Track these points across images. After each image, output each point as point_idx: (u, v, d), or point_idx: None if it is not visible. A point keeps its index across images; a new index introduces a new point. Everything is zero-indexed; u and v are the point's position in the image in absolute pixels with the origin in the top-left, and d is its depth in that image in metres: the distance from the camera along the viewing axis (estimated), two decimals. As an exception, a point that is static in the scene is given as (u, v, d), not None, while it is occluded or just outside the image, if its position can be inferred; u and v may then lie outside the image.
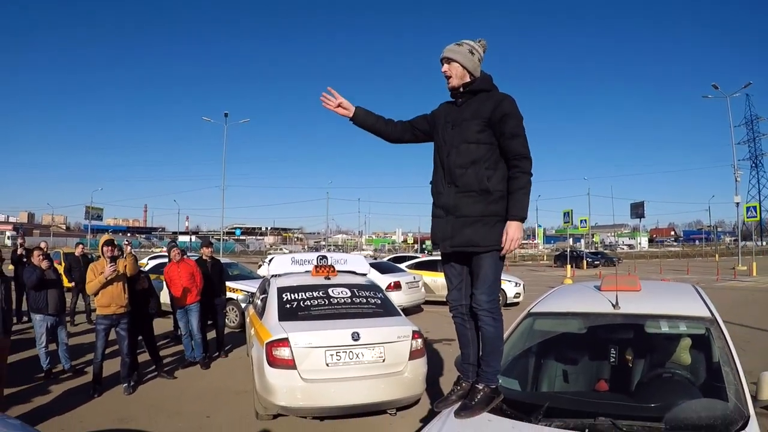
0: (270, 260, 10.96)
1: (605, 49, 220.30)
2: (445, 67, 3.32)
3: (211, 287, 9.84)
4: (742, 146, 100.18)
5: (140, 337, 8.44)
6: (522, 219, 3.14)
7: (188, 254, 11.88)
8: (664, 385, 3.31)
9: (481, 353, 3.26)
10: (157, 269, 13.46)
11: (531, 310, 4.20)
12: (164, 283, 10.32)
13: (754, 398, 3.02)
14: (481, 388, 3.13)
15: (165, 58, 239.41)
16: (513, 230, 3.11)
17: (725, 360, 3.21)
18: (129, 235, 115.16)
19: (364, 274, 8.16)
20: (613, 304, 3.74)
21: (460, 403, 3.19)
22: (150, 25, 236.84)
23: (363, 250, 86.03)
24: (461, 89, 3.33)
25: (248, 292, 12.03)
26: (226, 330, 10.98)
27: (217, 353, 9.86)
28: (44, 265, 8.32)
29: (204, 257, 10.28)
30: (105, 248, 7.55)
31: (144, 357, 8.73)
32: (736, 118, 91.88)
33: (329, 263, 7.74)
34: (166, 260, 12.25)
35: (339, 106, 3.58)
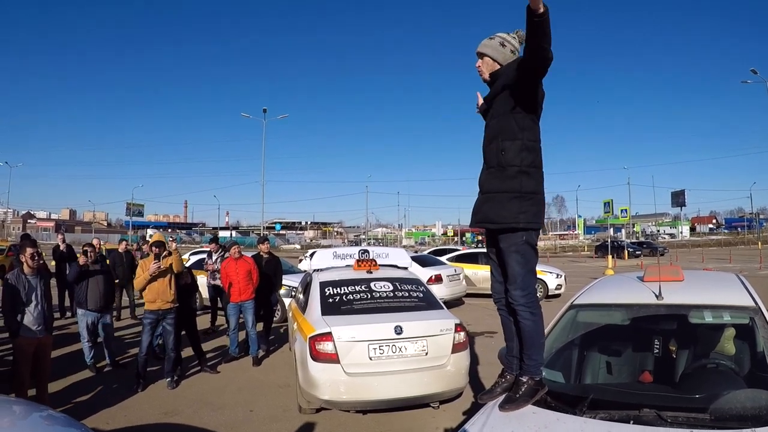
0: (312, 255, 11.05)
1: (643, 36, 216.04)
2: (478, 62, 3.35)
3: (265, 284, 10.00)
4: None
5: (183, 332, 8.59)
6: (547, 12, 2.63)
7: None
8: (709, 376, 3.29)
9: (522, 347, 3.26)
10: (199, 265, 13.65)
11: (574, 302, 4.18)
12: (206, 278, 10.43)
13: None
14: (525, 380, 3.12)
15: (205, 55, 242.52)
16: None
17: None
18: (171, 231, 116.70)
19: (406, 268, 8.17)
20: (656, 295, 3.71)
21: (504, 395, 3.19)
22: (191, 22, 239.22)
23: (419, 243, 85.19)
24: (491, 81, 3.34)
25: (290, 286, 12.16)
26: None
27: (258, 348, 9.99)
28: (81, 260, 8.54)
29: (261, 254, 10.47)
30: (153, 248, 7.82)
31: (187, 352, 8.89)
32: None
33: (371, 257, 7.79)
34: (206, 257, 12.50)
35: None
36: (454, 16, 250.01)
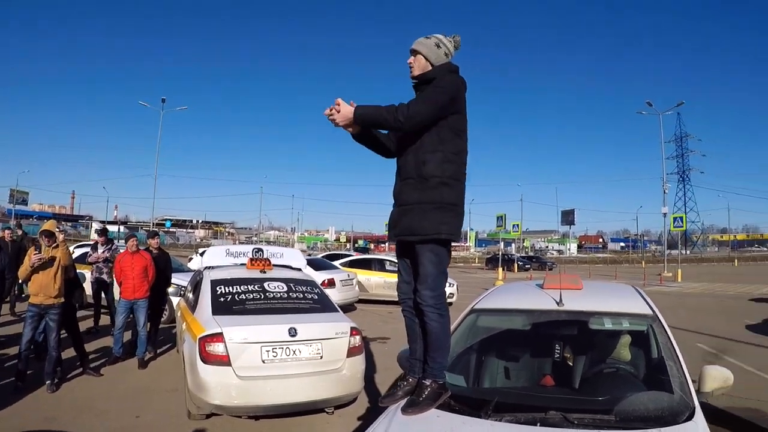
0: (203, 252, 10.73)
1: (546, 61, 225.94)
2: (411, 58, 3.28)
3: (155, 281, 9.51)
4: (671, 161, 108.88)
5: (63, 331, 8.04)
6: (358, 113, 3.01)
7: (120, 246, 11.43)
8: (609, 380, 3.37)
9: (426, 349, 3.20)
10: (82, 258, 12.91)
11: (474, 307, 4.18)
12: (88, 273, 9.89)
13: (697, 391, 3.10)
14: (428, 383, 3.07)
15: (102, 38, 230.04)
16: (345, 108, 3.05)
17: (668, 354, 3.31)
18: (63, 223, 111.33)
19: (300, 269, 8.10)
20: (557, 302, 3.77)
21: (406, 399, 3.11)
22: (91, 5, 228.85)
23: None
24: (418, 81, 3.27)
25: (179, 285, 11.71)
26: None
27: (145, 350, 9.52)
28: None
29: (151, 249, 9.95)
30: (43, 237, 7.39)
31: (68, 353, 8.29)
32: (667, 134, 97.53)
33: (265, 256, 7.67)
34: (90, 250, 11.79)
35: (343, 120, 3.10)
36: (371, 16, 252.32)
